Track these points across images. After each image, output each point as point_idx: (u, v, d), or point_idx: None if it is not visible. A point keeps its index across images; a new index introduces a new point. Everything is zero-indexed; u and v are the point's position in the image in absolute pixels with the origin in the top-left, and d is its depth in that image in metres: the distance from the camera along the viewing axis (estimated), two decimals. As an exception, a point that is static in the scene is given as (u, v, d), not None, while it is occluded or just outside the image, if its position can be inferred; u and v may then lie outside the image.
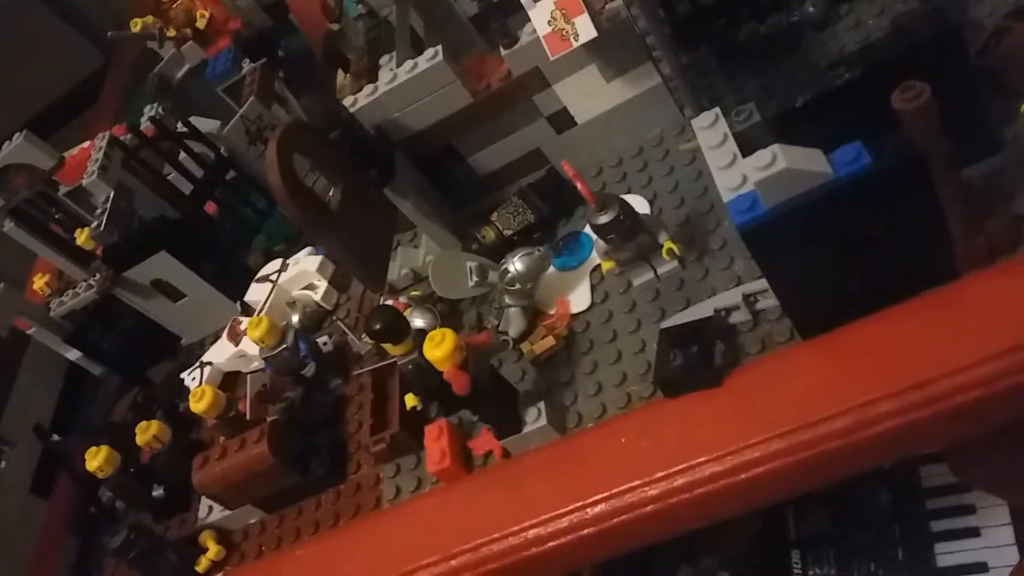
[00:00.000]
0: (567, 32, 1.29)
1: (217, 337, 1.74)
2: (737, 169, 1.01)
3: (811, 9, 1.41)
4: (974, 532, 1.73)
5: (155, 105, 2.03)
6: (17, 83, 3.61)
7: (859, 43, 1.32)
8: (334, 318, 1.60)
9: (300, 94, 1.93)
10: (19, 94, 3.62)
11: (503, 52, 1.38)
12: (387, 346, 1.27)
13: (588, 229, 1.42)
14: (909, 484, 1.87)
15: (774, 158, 0.94)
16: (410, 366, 1.27)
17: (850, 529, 1.87)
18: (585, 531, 1.13)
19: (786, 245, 1.00)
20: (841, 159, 0.95)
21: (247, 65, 1.93)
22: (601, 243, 1.27)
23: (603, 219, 1.20)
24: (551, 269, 1.41)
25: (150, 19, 2.29)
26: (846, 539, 1.78)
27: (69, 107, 3.58)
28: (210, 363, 1.68)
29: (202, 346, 1.83)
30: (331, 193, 1.30)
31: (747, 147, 1.03)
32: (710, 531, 1.94)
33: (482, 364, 1.20)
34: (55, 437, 1.68)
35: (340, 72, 1.76)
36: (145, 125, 1.82)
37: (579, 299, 1.36)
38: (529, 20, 1.33)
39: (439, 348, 1.13)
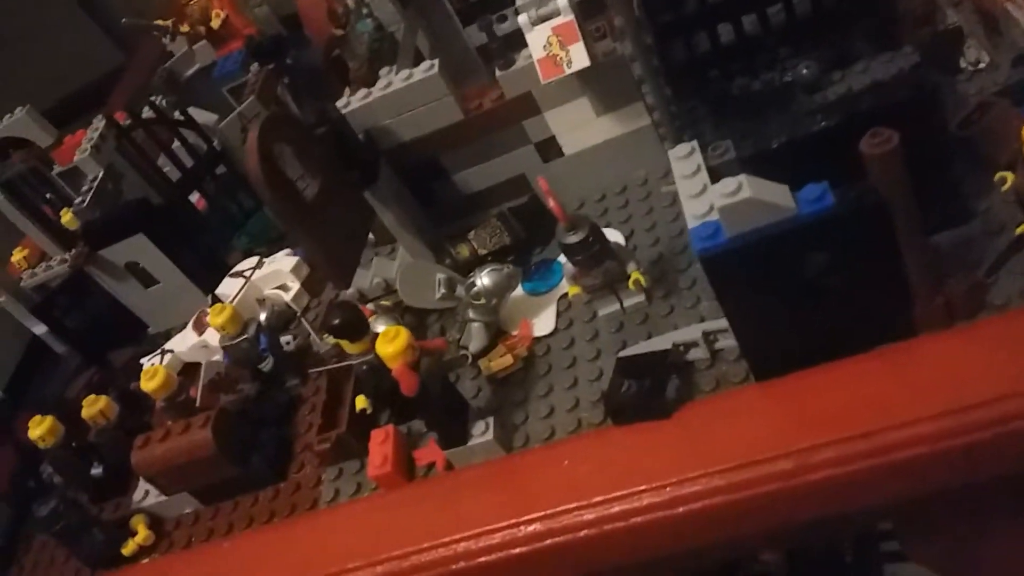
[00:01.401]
0: (561, 58, 1.31)
1: (184, 328, 1.73)
2: (705, 198, 1.02)
3: (804, 71, 1.43)
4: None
5: (160, 97, 2.06)
6: (36, 73, 3.66)
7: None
8: (299, 316, 1.59)
9: (303, 103, 1.96)
10: (37, 84, 3.67)
11: (498, 73, 1.40)
12: (344, 344, 1.27)
13: (561, 257, 1.43)
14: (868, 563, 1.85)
15: (739, 187, 0.95)
16: (364, 367, 1.26)
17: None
18: (516, 550, 1.11)
19: (745, 277, 1.00)
20: (806, 197, 0.95)
21: (254, 69, 1.96)
22: (569, 267, 1.27)
23: (572, 238, 1.20)
24: (520, 292, 1.41)
25: (161, 23, 2.33)
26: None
27: (84, 102, 3.61)
28: (171, 351, 1.67)
29: (168, 336, 1.81)
30: (308, 185, 1.31)
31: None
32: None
33: (435, 370, 1.19)
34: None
35: (347, 89, 1.78)
36: (146, 113, 1.84)
37: (544, 323, 1.36)
38: (527, 47, 1.36)
39: (391, 344, 1.12)
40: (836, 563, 1.92)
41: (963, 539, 1.22)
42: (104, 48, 3.72)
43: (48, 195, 2.09)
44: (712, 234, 0.98)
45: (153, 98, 2.05)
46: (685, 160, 1.08)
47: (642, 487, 1.07)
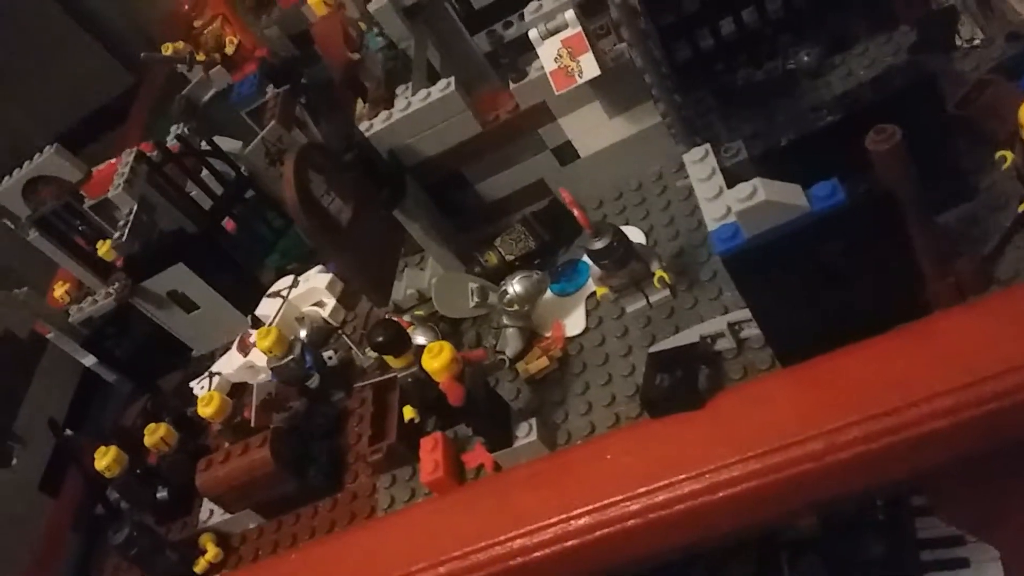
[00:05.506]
0: (572, 69, 1.37)
1: (227, 349, 1.80)
2: (722, 201, 1.07)
3: (805, 58, 1.49)
4: (966, 586, 1.77)
5: (181, 125, 2.12)
6: (48, 98, 3.73)
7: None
8: (340, 332, 1.66)
9: (320, 120, 2.02)
10: (50, 109, 3.74)
11: (512, 86, 1.46)
12: (388, 359, 1.33)
13: (586, 257, 1.49)
14: (904, 535, 1.90)
15: (755, 191, 1.01)
16: (409, 379, 1.33)
17: (843, 577, 1.90)
18: (569, 543, 1.18)
19: (765, 273, 1.06)
20: (818, 194, 1.01)
21: (271, 91, 2.03)
22: (596, 269, 1.34)
23: (598, 245, 1.27)
24: (549, 294, 1.47)
25: (180, 44, 2.40)
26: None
27: (97, 125, 3.69)
28: (219, 373, 1.74)
29: (212, 357, 1.89)
30: (342, 211, 1.37)
31: (734, 182, 1.10)
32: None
33: (477, 379, 1.26)
34: (68, 432, 1.75)
35: (360, 101, 1.84)
36: (171, 142, 1.90)
37: (574, 323, 1.42)
38: (537, 57, 1.41)
39: (437, 359, 1.19)
40: (869, 522, 1.98)
41: (989, 499, 1.29)
42: (113, 70, 3.78)
43: (81, 227, 2.17)
44: (732, 235, 1.03)
45: (175, 127, 2.12)
46: (700, 164, 1.14)
47: (682, 476, 1.13)
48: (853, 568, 1.90)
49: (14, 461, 1.72)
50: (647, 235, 1.47)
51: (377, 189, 1.47)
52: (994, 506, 1.30)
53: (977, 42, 1.37)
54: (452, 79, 1.47)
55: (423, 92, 1.49)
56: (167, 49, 2.40)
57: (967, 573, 1.80)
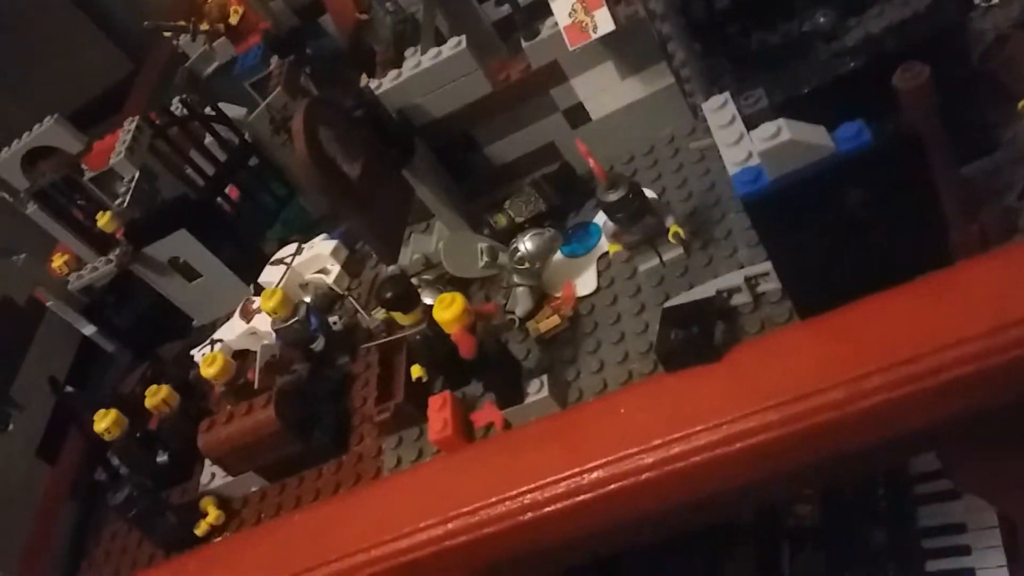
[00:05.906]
0: (586, 24, 1.35)
1: (229, 319, 1.77)
2: (744, 145, 1.05)
3: (821, 20, 1.46)
4: (969, 574, 1.75)
5: (184, 96, 2.10)
6: (48, 84, 3.70)
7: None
8: (346, 295, 1.64)
9: (324, 91, 2.00)
10: (49, 95, 3.71)
11: (524, 44, 1.44)
12: (397, 315, 1.31)
13: (597, 219, 1.47)
14: (906, 523, 1.89)
15: (779, 130, 0.99)
16: (418, 336, 1.31)
17: (844, 569, 1.89)
18: (581, 497, 1.15)
19: (787, 217, 1.04)
20: (843, 135, 0.99)
21: (275, 62, 2.01)
22: (610, 225, 1.32)
23: (612, 197, 1.25)
24: (559, 256, 1.45)
25: (182, 22, 2.37)
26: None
27: (97, 112, 3.66)
28: (221, 340, 1.71)
29: (214, 328, 1.85)
30: (351, 167, 1.35)
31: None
32: (707, 570, 1.97)
33: (489, 332, 1.24)
34: (69, 389, 1.72)
35: (364, 76, 1.82)
36: (176, 108, 1.88)
37: (586, 283, 1.40)
38: (550, 17, 1.40)
39: (449, 310, 1.17)
40: (871, 510, 1.96)
41: (1005, 461, 1.27)
42: (113, 57, 3.76)
43: (80, 201, 2.13)
44: (754, 178, 1.01)
45: (178, 97, 2.09)
46: (720, 111, 1.12)
47: (698, 427, 1.11)
48: (855, 555, 1.89)
49: (11, 427, 1.69)
50: (659, 196, 1.45)
51: (386, 147, 1.45)
52: (1009, 471, 1.28)
53: (995, 1, 1.36)
54: (463, 37, 1.45)
55: (433, 51, 1.47)
56: (169, 25, 2.38)
57: (969, 560, 1.79)
